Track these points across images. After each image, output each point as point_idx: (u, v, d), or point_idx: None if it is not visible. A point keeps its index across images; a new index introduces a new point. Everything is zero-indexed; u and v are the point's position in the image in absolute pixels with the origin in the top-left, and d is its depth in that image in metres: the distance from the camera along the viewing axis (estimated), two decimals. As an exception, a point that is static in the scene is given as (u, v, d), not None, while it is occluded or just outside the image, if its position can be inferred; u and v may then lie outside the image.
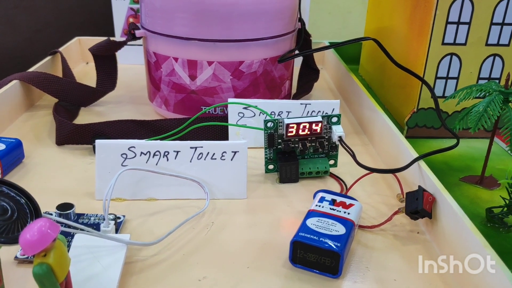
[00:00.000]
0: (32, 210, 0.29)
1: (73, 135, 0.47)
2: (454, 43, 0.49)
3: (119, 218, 0.36)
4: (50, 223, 0.24)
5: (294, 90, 0.61)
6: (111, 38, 0.56)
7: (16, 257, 0.32)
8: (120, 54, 0.58)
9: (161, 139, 0.46)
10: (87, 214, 0.36)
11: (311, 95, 0.63)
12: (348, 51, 0.74)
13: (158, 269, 0.32)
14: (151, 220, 0.37)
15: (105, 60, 0.58)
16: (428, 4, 0.48)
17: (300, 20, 0.57)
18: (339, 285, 0.31)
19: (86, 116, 0.56)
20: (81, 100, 0.58)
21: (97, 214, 0.36)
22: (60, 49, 0.68)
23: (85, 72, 0.71)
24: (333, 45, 0.55)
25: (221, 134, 0.49)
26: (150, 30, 0.51)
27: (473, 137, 0.52)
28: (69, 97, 0.57)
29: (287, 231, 0.36)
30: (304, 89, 0.61)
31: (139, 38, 0.53)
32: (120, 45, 0.55)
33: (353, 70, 0.63)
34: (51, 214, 0.36)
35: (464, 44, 0.49)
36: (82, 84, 0.58)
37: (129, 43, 0.54)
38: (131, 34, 0.53)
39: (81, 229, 0.31)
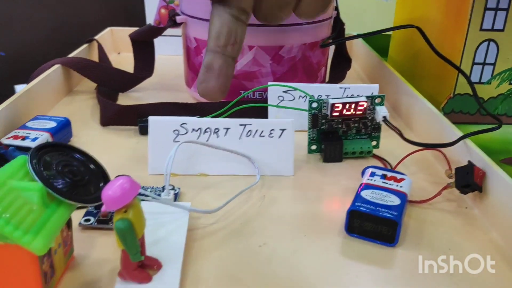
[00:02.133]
0: (101, 174, 0.30)
1: (118, 116, 0.49)
2: (492, 29, 0.49)
3: (175, 190, 0.37)
4: (131, 181, 0.25)
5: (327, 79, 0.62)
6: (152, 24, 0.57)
7: (80, 224, 0.33)
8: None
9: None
10: (144, 186, 0.37)
11: (344, 83, 0.64)
12: (376, 43, 0.75)
13: (219, 236, 0.33)
14: (204, 193, 0.38)
15: (144, 47, 0.59)
16: (467, -9, 0.49)
17: (336, 8, 0.58)
18: (395, 253, 0.32)
19: (124, 102, 0.57)
20: (120, 86, 0.59)
21: (153, 187, 0.37)
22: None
23: (117, 62, 0.72)
24: (379, 31, 0.54)
25: (261, 117, 0.50)
26: (191, 15, 0.52)
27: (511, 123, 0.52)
28: (108, 82, 0.58)
29: (339, 205, 0.37)
30: (337, 77, 0.62)
31: (180, 24, 0.54)
32: (160, 31, 0.56)
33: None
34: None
35: (502, 30, 0.49)
36: (120, 70, 0.59)
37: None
38: (171, 20, 0.54)
39: (147, 195, 0.32)
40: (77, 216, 0.33)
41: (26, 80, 0.54)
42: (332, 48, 0.64)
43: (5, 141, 0.39)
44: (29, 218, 0.24)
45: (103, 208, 0.29)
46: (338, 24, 0.58)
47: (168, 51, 0.73)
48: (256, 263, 0.31)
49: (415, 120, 0.50)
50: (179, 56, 0.59)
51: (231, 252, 0.32)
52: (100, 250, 0.32)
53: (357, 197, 0.34)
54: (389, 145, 0.45)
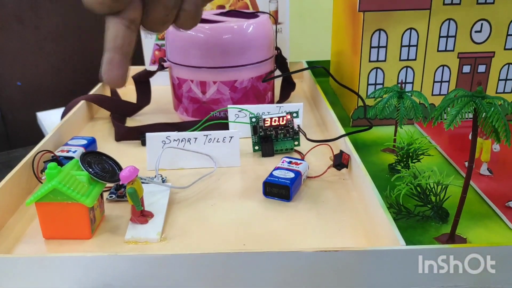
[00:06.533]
0: (117, 168, 0.53)
1: (127, 134, 0.72)
2: (377, 60, 0.72)
3: (163, 178, 0.60)
4: (134, 168, 0.49)
5: (277, 98, 0.85)
6: (147, 68, 0.81)
7: (107, 198, 0.56)
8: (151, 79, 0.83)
9: (185, 133, 0.70)
10: (142, 177, 0.60)
11: (290, 100, 0.87)
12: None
13: (188, 201, 0.56)
14: (182, 180, 0.61)
15: (143, 84, 0.83)
16: (358, 35, 0.72)
17: (277, 48, 0.81)
18: (291, 205, 0.55)
19: (131, 123, 0.81)
20: (127, 112, 0.82)
21: (149, 177, 0.61)
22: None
23: (124, 93, 0.96)
24: (294, 71, 0.78)
25: (224, 129, 0.73)
26: (174, 62, 0.76)
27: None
28: (119, 110, 0.81)
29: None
30: (284, 97, 0.85)
31: (166, 68, 0.78)
32: (153, 73, 0.80)
33: (326, 82, 0.87)
34: (122, 177, 0.60)
35: (384, 60, 0.72)
36: (127, 101, 0.83)
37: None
38: (160, 65, 0.78)
39: (144, 178, 0.55)
40: (106, 194, 0.57)
41: (45, 107, 0.77)
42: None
43: (58, 153, 0.63)
44: (83, 189, 0.48)
45: (121, 182, 0.51)
46: (279, 60, 0.81)
47: (162, 82, 0.97)
48: (208, 213, 0.54)
49: (330, 125, 0.73)
50: (169, 86, 0.82)
51: (194, 208, 0.55)
52: (119, 212, 0.55)
53: (270, 174, 0.57)
54: (307, 144, 0.68)
